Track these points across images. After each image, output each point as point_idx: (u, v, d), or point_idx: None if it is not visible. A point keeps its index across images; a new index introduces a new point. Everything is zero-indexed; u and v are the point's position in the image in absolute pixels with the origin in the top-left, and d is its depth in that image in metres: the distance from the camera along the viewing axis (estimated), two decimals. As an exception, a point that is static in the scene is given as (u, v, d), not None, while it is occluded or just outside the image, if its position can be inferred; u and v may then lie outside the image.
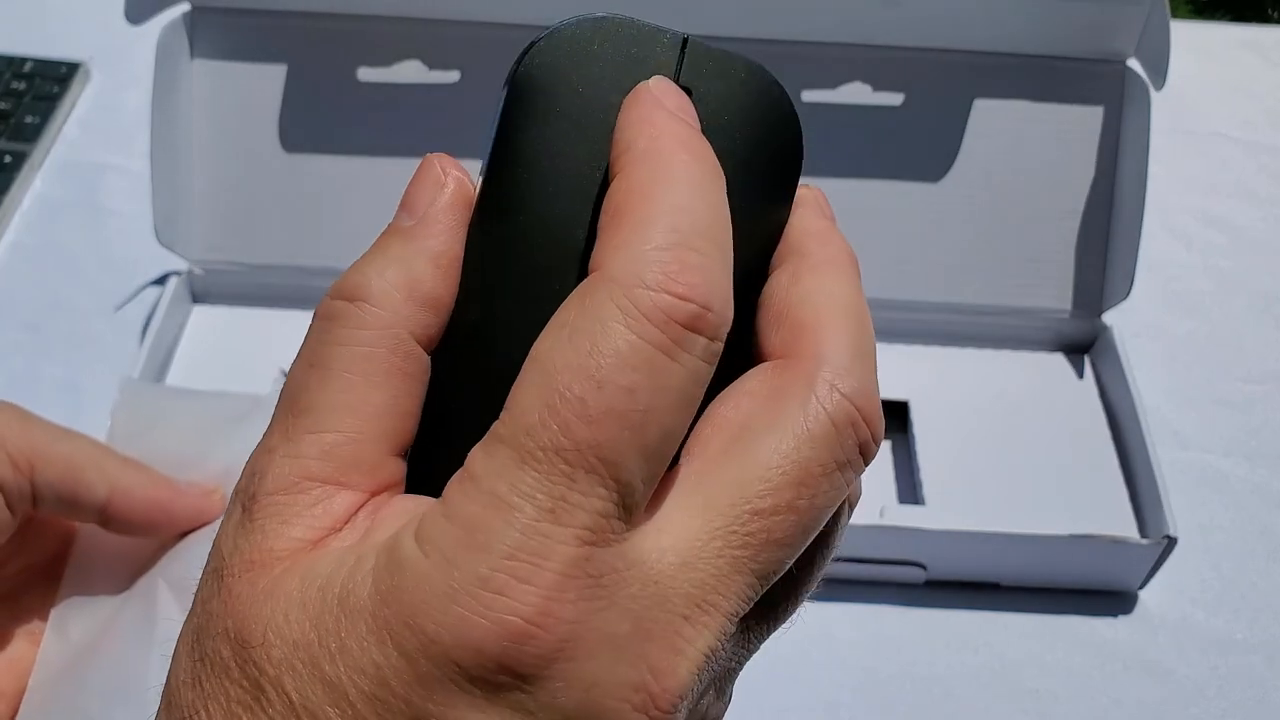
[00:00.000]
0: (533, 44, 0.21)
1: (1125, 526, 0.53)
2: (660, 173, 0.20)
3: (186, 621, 0.20)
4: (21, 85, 0.73)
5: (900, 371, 0.59)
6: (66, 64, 0.74)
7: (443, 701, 0.17)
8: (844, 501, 0.21)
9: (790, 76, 0.59)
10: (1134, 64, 0.58)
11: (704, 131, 0.21)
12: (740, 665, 0.21)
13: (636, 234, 0.19)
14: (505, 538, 0.17)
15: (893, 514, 0.52)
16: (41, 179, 0.70)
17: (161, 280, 0.62)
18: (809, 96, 0.59)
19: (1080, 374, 0.60)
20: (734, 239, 0.20)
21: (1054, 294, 0.60)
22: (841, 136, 0.59)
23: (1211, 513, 0.57)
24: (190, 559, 0.35)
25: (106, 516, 0.34)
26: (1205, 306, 0.67)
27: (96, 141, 0.72)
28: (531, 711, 0.18)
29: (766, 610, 0.21)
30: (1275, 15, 1.89)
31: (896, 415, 0.58)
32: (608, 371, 0.18)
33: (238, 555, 0.19)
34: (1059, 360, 0.61)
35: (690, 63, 0.22)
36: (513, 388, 0.19)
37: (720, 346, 0.19)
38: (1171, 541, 0.50)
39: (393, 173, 0.59)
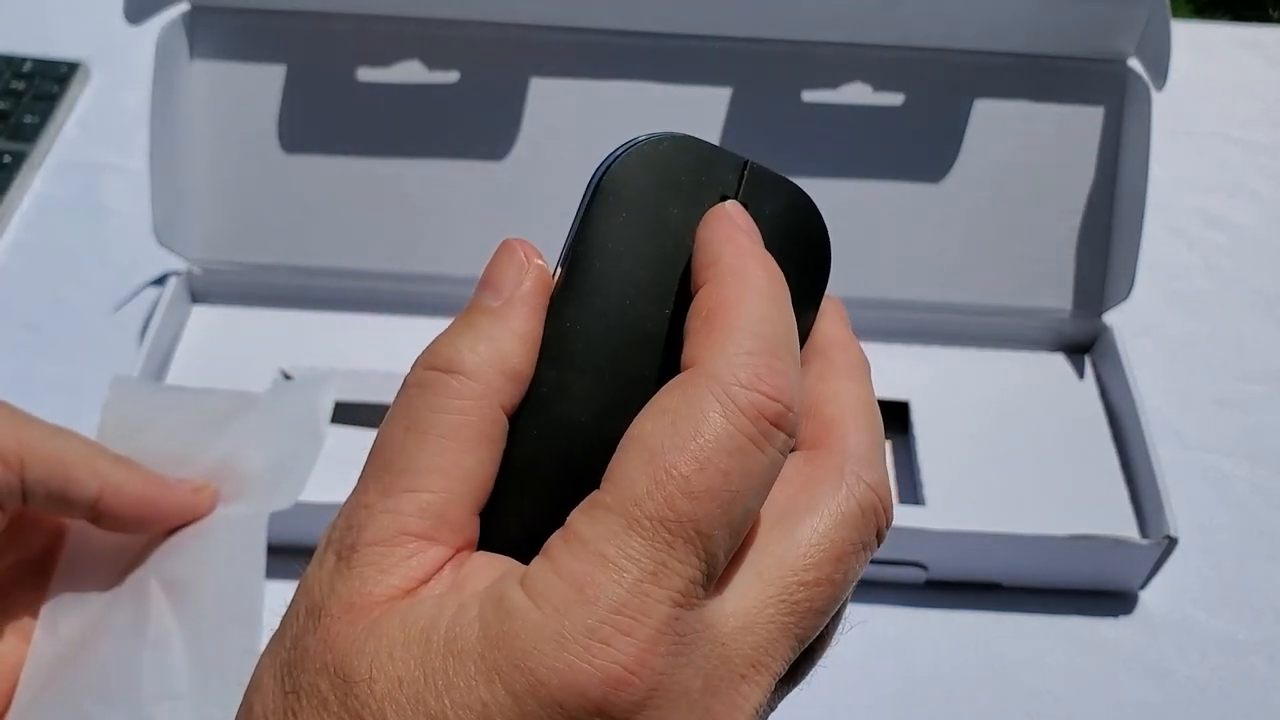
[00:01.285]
0: (615, 155, 0.25)
1: (1126, 526, 0.53)
2: (746, 286, 0.23)
3: (271, 654, 0.22)
4: (21, 85, 0.73)
5: (900, 371, 0.59)
6: (66, 64, 0.74)
7: None
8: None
9: (790, 76, 0.59)
10: (1134, 64, 0.58)
11: None
12: (772, 710, 0.24)
13: (730, 338, 0.22)
14: (612, 594, 0.20)
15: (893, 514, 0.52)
16: (41, 179, 0.70)
17: (161, 280, 0.62)
18: (809, 96, 0.59)
19: (1080, 374, 0.60)
20: None
21: (1054, 294, 0.60)
22: (841, 136, 0.59)
23: (1212, 513, 0.57)
24: (181, 556, 0.35)
25: (97, 513, 0.35)
26: (1205, 306, 0.67)
27: (96, 141, 0.72)
28: None
29: (791, 672, 0.24)
30: (1275, 15, 1.89)
31: (896, 415, 0.58)
32: (709, 454, 0.21)
33: (335, 598, 0.21)
34: (1059, 360, 0.61)
35: (749, 182, 0.26)
36: (614, 462, 0.21)
37: (793, 442, 0.22)
38: (1172, 542, 0.50)
39: (393, 173, 0.59)
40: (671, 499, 0.20)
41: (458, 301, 0.65)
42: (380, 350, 0.58)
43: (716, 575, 0.21)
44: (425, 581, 0.21)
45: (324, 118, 0.59)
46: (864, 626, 0.53)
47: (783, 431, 0.22)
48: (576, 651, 0.19)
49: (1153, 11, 0.55)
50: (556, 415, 0.24)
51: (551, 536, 0.21)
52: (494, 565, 0.22)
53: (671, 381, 0.22)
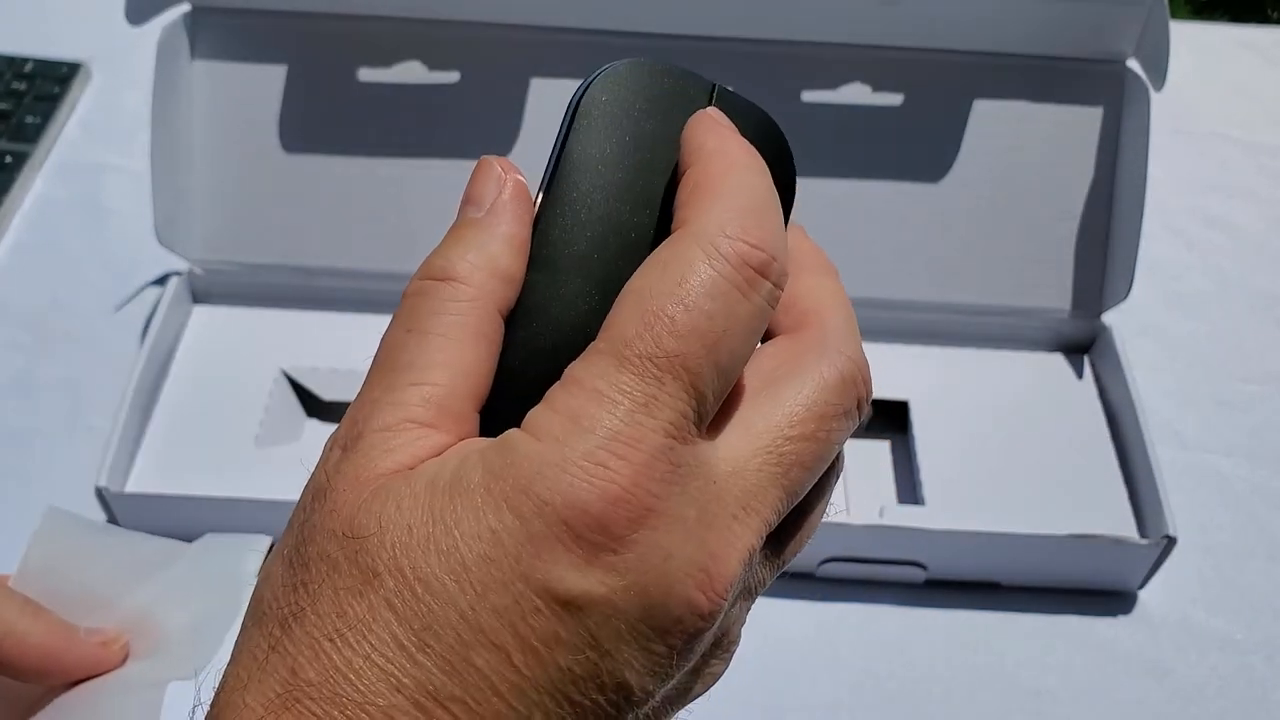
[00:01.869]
0: (592, 78, 0.26)
1: (1125, 526, 0.53)
2: (730, 162, 0.25)
3: (278, 546, 0.23)
4: (22, 85, 0.73)
5: (900, 371, 0.59)
6: (67, 64, 0.74)
7: (548, 559, 0.21)
8: (839, 456, 0.26)
9: (790, 76, 0.59)
10: (1134, 64, 0.58)
11: None
12: (762, 587, 0.25)
13: (717, 201, 0.24)
14: (607, 423, 0.21)
15: (893, 514, 0.52)
16: (42, 179, 0.70)
17: (162, 280, 0.62)
18: (809, 96, 0.59)
19: (1080, 374, 0.60)
20: None
21: (1054, 294, 0.60)
22: (841, 136, 0.59)
23: (1211, 513, 0.57)
24: (77, 717, 0.34)
25: None
26: (1205, 306, 0.67)
27: (97, 141, 0.72)
28: (620, 573, 0.21)
29: (783, 536, 0.25)
30: (1275, 15, 1.89)
31: (896, 415, 0.58)
32: (694, 297, 0.22)
33: (341, 476, 0.22)
34: (1059, 360, 0.61)
35: (718, 102, 0.27)
36: (609, 316, 0.23)
37: (780, 294, 0.24)
38: (1171, 541, 0.50)
39: (393, 173, 0.59)
40: (659, 338, 0.22)
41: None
42: (380, 350, 0.58)
43: (706, 414, 0.22)
44: (424, 460, 0.23)
45: (324, 118, 0.59)
46: (864, 626, 0.53)
47: (768, 280, 0.23)
48: (576, 473, 0.21)
49: (1152, 12, 0.55)
50: (547, 316, 0.25)
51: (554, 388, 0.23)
52: (487, 439, 0.23)
53: (664, 241, 0.24)
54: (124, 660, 0.36)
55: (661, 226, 0.26)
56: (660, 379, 0.22)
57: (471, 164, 0.27)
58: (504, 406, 0.24)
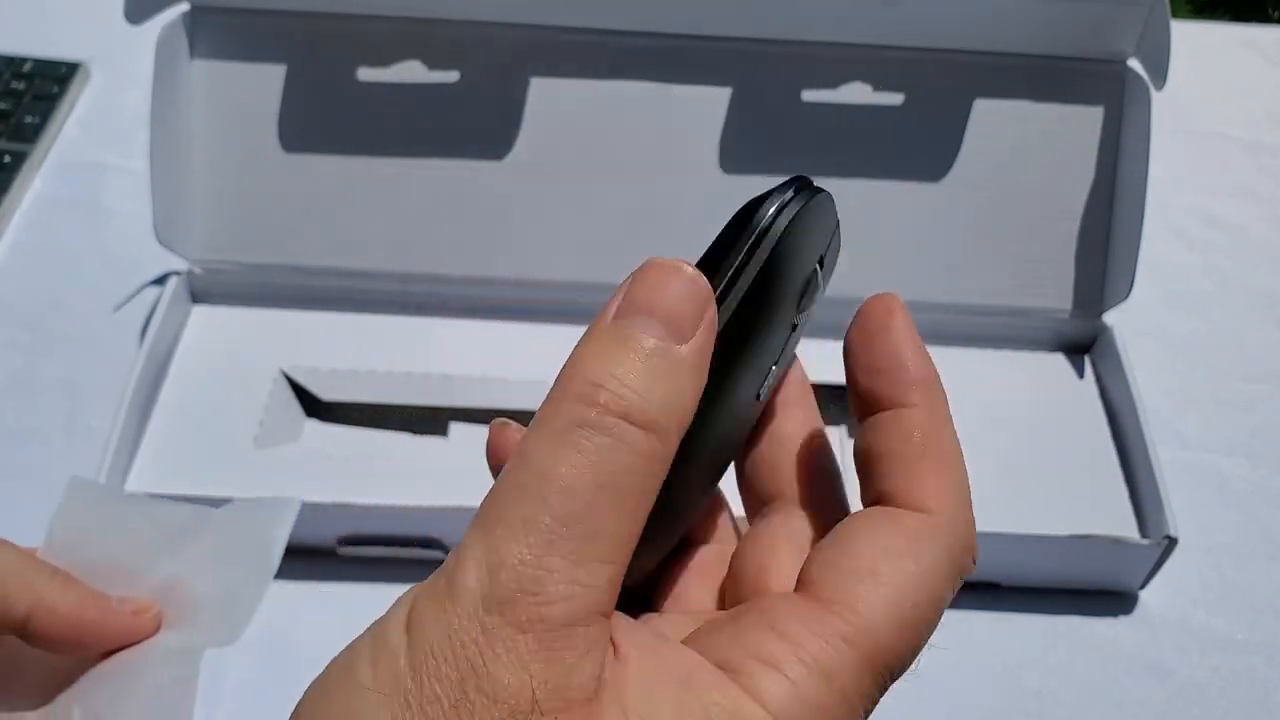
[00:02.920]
0: (787, 203, 0.23)
1: (1125, 526, 0.53)
2: (950, 428, 0.24)
3: None
4: (21, 85, 0.73)
5: (900, 371, 0.59)
6: (66, 64, 0.74)
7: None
8: None
9: (790, 76, 0.59)
10: (1134, 64, 0.58)
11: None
12: None
13: (953, 491, 0.23)
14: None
15: (893, 514, 0.52)
16: (41, 179, 0.70)
17: (161, 280, 0.62)
18: (809, 96, 0.59)
19: (1080, 374, 0.60)
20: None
21: (1054, 294, 0.60)
22: (841, 136, 0.59)
23: (1212, 513, 0.57)
24: (108, 686, 0.34)
25: (27, 632, 0.33)
26: (1205, 306, 0.67)
27: (96, 141, 0.72)
28: None
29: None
30: (1275, 15, 1.89)
31: (897, 415, 0.58)
32: (937, 615, 0.25)
33: (548, 692, 0.18)
34: (1059, 360, 0.61)
35: (833, 241, 0.26)
36: (856, 595, 0.22)
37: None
38: (1172, 541, 0.50)
39: (393, 173, 0.59)
40: (904, 654, 0.22)
41: (457, 302, 0.65)
42: (380, 350, 0.58)
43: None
44: (604, 663, 0.20)
45: (324, 118, 0.59)
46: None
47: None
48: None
49: (1152, 11, 0.55)
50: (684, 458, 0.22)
51: (771, 645, 0.21)
52: (648, 641, 0.21)
53: (898, 516, 0.23)
54: (157, 629, 0.35)
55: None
56: (884, 687, 0.23)
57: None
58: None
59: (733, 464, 0.27)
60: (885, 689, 0.21)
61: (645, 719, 0.19)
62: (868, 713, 0.21)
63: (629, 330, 0.20)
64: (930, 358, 0.24)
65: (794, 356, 0.27)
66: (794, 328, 0.25)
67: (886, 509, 0.23)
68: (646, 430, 0.20)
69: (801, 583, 0.22)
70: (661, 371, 0.20)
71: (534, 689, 0.18)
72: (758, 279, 0.22)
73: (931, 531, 0.22)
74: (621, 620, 0.21)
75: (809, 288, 0.25)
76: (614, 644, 0.20)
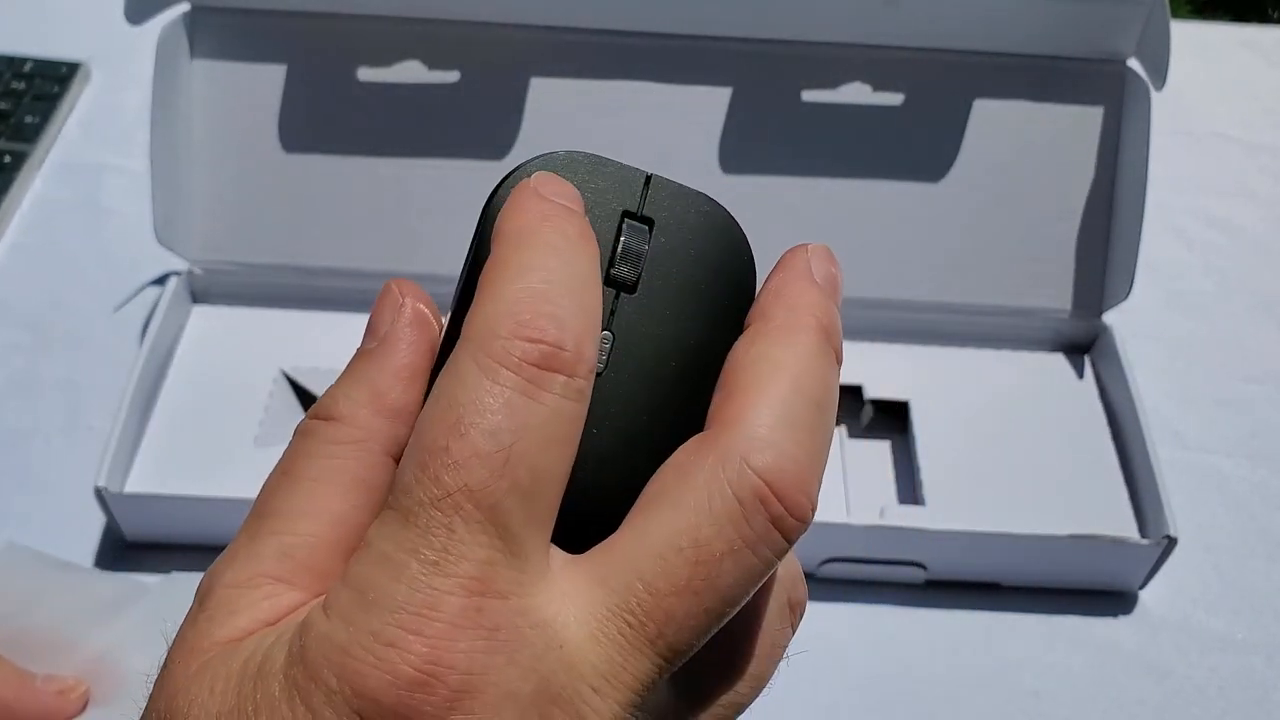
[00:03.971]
0: (506, 179, 0.23)
1: (1125, 526, 0.53)
2: (519, 245, 0.21)
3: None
4: (21, 85, 0.73)
5: (900, 371, 0.59)
6: (66, 64, 0.74)
7: None
8: (769, 582, 0.22)
9: (790, 76, 0.59)
10: (1134, 64, 0.58)
11: (664, 256, 0.23)
12: None
13: (490, 297, 0.20)
14: (394, 594, 0.18)
15: (893, 514, 0.52)
16: (41, 179, 0.70)
17: (161, 280, 0.62)
18: (809, 96, 0.59)
19: (1080, 374, 0.60)
20: (688, 356, 0.22)
21: (1054, 294, 0.60)
22: (841, 136, 0.59)
23: (1211, 513, 0.57)
24: None
25: None
26: (1205, 306, 0.67)
27: (96, 141, 0.72)
28: None
29: (702, 689, 0.22)
30: (1275, 15, 1.89)
31: (896, 415, 0.58)
32: (468, 418, 0.19)
33: (182, 644, 0.21)
34: (1059, 360, 0.61)
35: (653, 196, 0.24)
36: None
37: (584, 385, 0.20)
38: (1172, 541, 0.50)
39: (393, 173, 0.59)
40: (436, 476, 0.19)
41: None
42: (380, 350, 0.58)
43: (525, 553, 0.19)
44: (274, 624, 0.20)
45: (324, 118, 0.59)
46: (864, 627, 0.53)
47: (560, 373, 0.19)
48: (362, 656, 0.18)
49: (1152, 12, 0.55)
50: None
51: None
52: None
53: None
54: (84, 708, 0.34)
55: None
56: (449, 525, 0.18)
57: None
58: None
59: None
60: (445, 507, 0.18)
61: (241, 654, 0.20)
62: (434, 564, 0.18)
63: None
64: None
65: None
66: (618, 290, 0.23)
67: None
68: (328, 419, 0.22)
69: None
70: (351, 368, 0.23)
71: (173, 644, 0.21)
72: (476, 262, 0.23)
73: (455, 349, 0.21)
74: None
75: (618, 244, 0.23)
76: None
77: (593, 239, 0.22)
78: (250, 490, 0.53)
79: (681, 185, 0.24)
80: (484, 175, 0.59)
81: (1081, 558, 0.52)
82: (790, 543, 0.20)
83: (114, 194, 0.69)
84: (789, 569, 0.23)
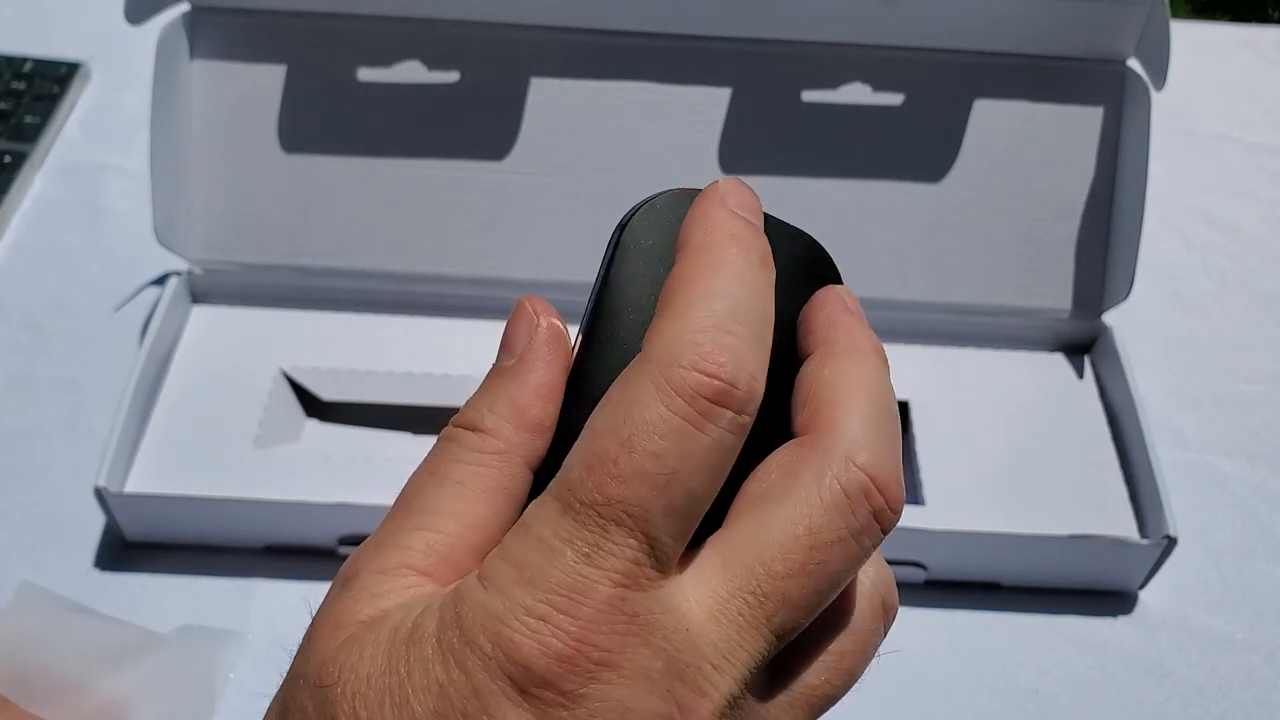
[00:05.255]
0: (635, 210, 0.25)
1: (1125, 526, 0.53)
2: (707, 263, 0.23)
3: (276, 696, 0.23)
4: (21, 85, 0.73)
5: (900, 371, 0.58)
6: (66, 64, 0.74)
7: (495, 713, 0.20)
8: (855, 586, 0.24)
9: (790, 76, 0.59)
10: (1134, 64, 0.58)
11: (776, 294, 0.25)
12: None
13: (677, 319, 0.22)
14: (550, 575, 0.20)
15: (893, 514, 0.52)
16: (41, 179, 0.70)
17: (161, 280, 0.62)
18: (809, 97, 0.59)
19: (1080, 374, 0.60)
20: (780, 339, 0.24)
21: (1054, 294, 0.60)
22: (841, 136, 0.59)
23: (1212, 513, 0.57)
24: None
25: None
26: (1205, 306, 0.67)
27: (96, 141, 0.72)
28: None
29: (788, 672, 0.23)
30: (1275, 15, 1.89)
31: (896, 415, 0.58)
32: (638, 438, 0.21)
33: (327, 618, 0.22)
34: (1059, 360, 0.61)
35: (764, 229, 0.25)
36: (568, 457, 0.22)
37: (748, 420, 0.22)
38: (1171, 541, 0.50)
39: (393, 173, 0.59)
40: (601, 484, 0.21)
41: (457, 302, 0.65)
42: (379, 350, 0.58)
43: (668, 558, 0.21)
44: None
45: (324, 118, 0.59)
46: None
47: (729, 409, 0.21)
48: (516, 626, 0.20)
49: (1152, 11, 0.55)
50: None
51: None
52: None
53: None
54: None
55: None
56: (604, 527, 0.21)
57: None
58: None
59: None
60: (607, 526, 0.20)
61: (388, 623, 0.21)
62: (586, 556, 0.20)
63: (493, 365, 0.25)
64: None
65: None
66: None
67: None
68: (474, 431, 0.24)
69: None
70: (490, 385, 0.24)
71: (316, 619, 0.23)
72: (615, 281, 0.24)
73: (637, 364, 0.22)
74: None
75: None
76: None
77: (771, 263, 0.24)
78: (250, 490, 0.53)
79: (787, 223, 0.26)
80: (484, 175, 0.59)
81: (1081, 558, 0.52)
82: (886, 533, 0.23)
83: (114, 194, 0.69)
84: (886, 574, 0.25)
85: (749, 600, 0.21)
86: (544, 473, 0.24)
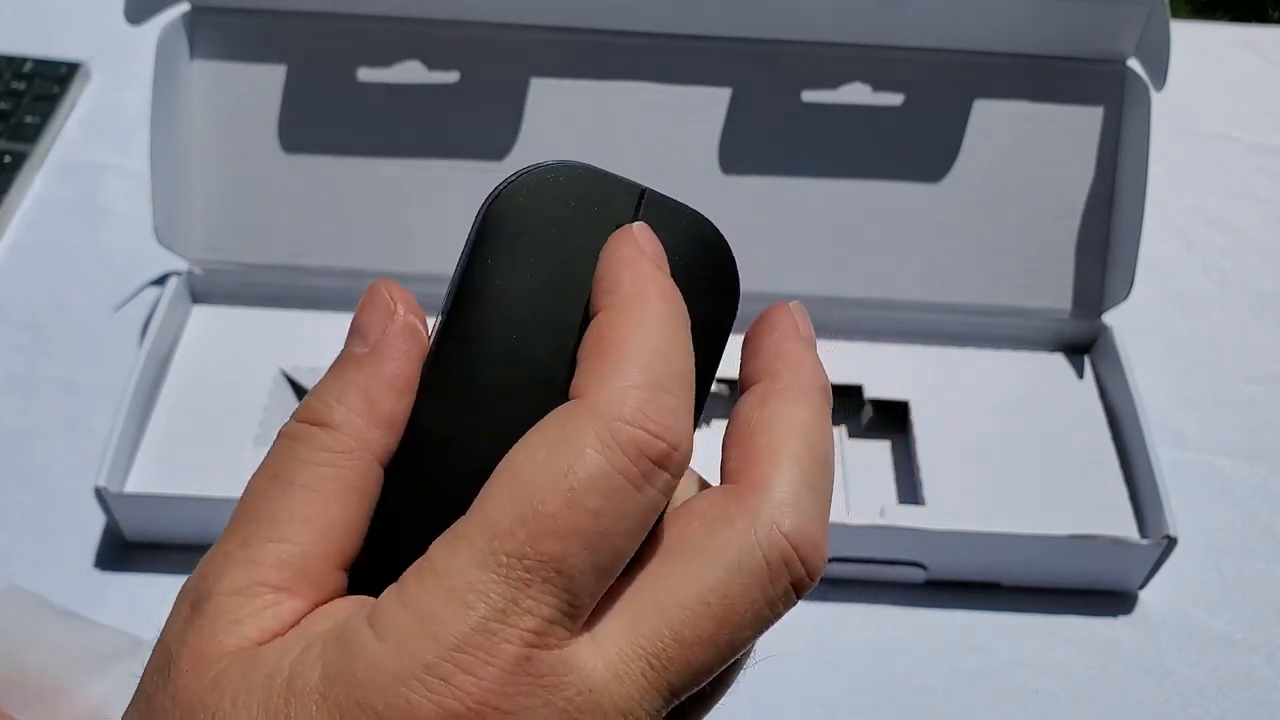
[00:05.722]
0: (501, 188, 0.23)
1: (1125, 526, 0.53)
2: (641, 316, 0.22)
3: (127, 715, 0.21)
4: (21, 85, 0.73)
5: (900, 371, 0.59)
6: (66, 64, 0.74)
7: None
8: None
9: (790, 76, 0.59)
10: (1134, 64, 0.58)
11: None
12: None
13: (618, 370, 0.21)
14: (456, 630, 0.19)
15: (893, 514, 0.52)
16: (41, 179, 0.70)
17: (161, 280, 0.62)
18: (809, 97, 0.59)
19: (1080, 374, 0.60)
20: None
21: (1054, 294, 0.60)
22: (841, 136, 0.59)
23: (1212, 513, 0.57)
24: None
25: None
26: (1205, 306, 0.67)
27: (96, 141, 0.72)
28: None
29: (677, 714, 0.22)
30: (1275, 15, 1.89)
31: (896, 415, 0.58)
32: (581, 493, 0.20)
33: (185, 649, 0.20)
34: (1059, 360, 0.61)
35: (647, 210, 0.24)
36: (483, 490, 0.20)
37: (677, 483, 0.21)
38: (1171, 541, 0.50)
39: (393, 173, 0.59)
40: (535, 537, 0.19)
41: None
42: (380, 350, 0.58)
43: (580, 615, 0.20)
44: (280, 634, 0.21)
45: (324, 118, 0.59)
46: (864, 627, 0.53)
47: (666, 472, 0.21)
48: (415, 687, 0.19)
49: (1152, 12, 0.55)
50: (436, 459, 0.23)
51: (410, 566, 0.20)
52: (344, 605, 0.21)
53: (553, 411, 0.21)
54: None
55: (575, 362, 0.23)
56: (528, 582, 0.19)
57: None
58: (377, 562, 0.22)
59: None
60: (532, 584, 0.19)
61: (261, 665, 0.20)
62: (501, 612, 0.19)
63: (342, 351, 0.24)
64: (643, 268, 0.23)
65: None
66: None
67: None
68: (321, 426, 0.22)
69: None
70: (340, 372, 0.23)
71: (174, 648, 0.20)
72: (481, 263, 0.23)
73: (574, 409, 0.21)
74: (341, 599, 0.22)
75: None
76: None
77: (687, 317, 0.23)
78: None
79: (675, 201, 0.24)
80: (484, 175, 0.59)
81: (1081, 558, 0.52)
82: (799, 599, 0.22)
83: (114, 194, 0.69)
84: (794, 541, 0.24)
85: (653, 663, 0.20)
86: (394, 469, 0.23)
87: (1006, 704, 0.51)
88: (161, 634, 0.21)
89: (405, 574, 0.20)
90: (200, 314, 0.60)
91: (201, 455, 0.54)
